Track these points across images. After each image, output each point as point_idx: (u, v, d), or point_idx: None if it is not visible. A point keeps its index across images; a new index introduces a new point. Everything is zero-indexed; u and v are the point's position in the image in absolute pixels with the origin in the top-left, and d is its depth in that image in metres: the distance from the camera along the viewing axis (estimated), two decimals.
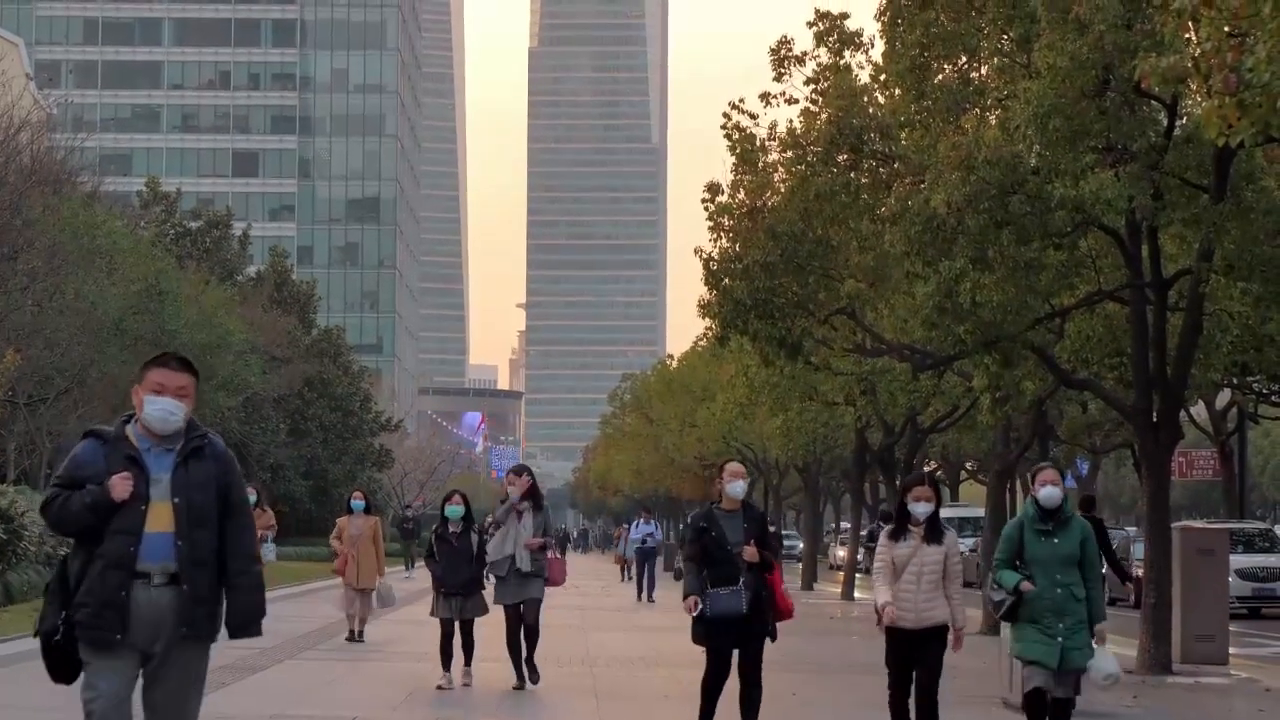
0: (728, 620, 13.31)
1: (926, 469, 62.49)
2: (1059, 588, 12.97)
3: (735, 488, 13.77)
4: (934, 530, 13.36)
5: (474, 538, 19.04)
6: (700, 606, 13.33)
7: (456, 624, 18.77)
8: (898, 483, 43.30)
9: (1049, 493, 13.20)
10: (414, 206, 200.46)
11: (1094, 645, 13.18)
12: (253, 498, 25.22)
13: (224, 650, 22.64)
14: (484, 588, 19.00)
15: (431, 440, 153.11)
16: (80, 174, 60.23)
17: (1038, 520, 13.17)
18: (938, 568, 13.27)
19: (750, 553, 13.39)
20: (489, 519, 18.85)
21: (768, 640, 13.76)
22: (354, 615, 24.93)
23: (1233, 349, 26.85)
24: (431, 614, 19.04)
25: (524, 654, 18.62)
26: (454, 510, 19.17)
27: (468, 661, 18.91)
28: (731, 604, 13.27)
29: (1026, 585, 12.97)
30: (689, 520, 14.31)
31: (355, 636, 24.84)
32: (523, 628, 18.61)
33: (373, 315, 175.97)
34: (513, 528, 18.56)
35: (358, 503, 25.59)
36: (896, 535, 13.40)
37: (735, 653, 13.66)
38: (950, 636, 13.33)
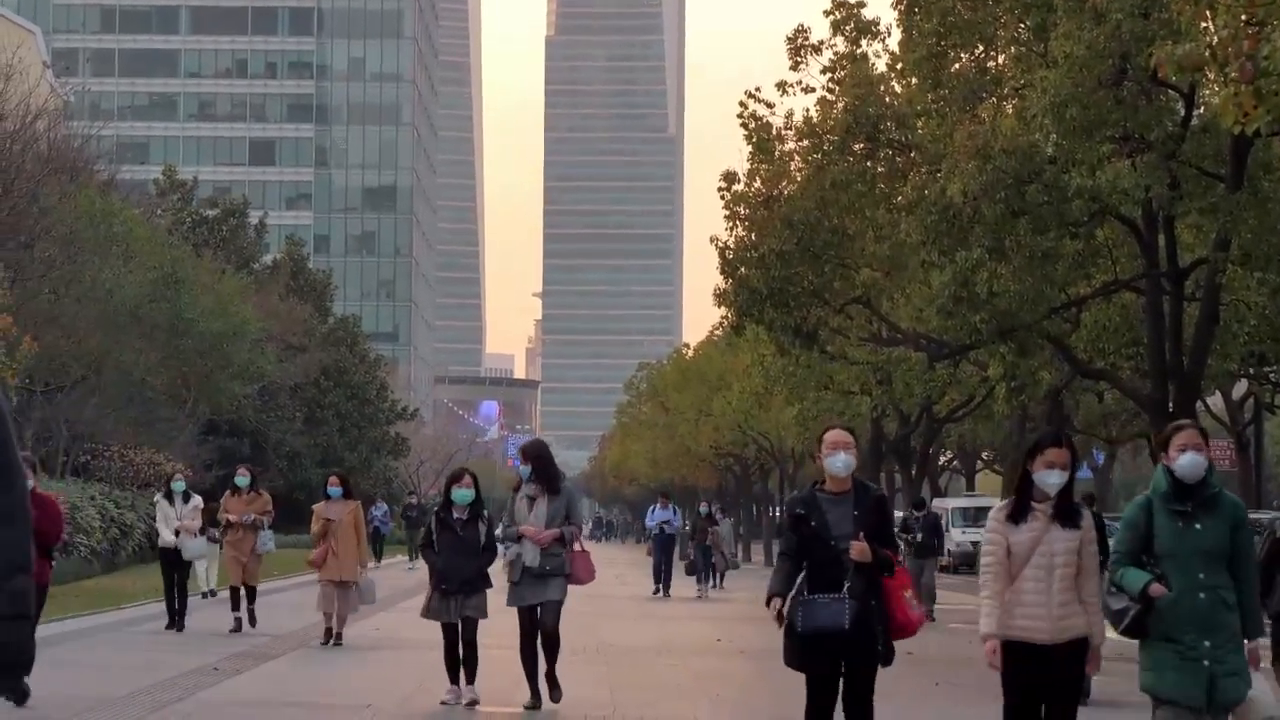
0: (825, 637, 10.12)
1: (941, 460, 62.46)
2: (1203, 591, 9.35)
3: (837, 462, 10.30)
4: (1067, 508, 9.72)
5: (482, 527, 16.00)
6: (790, 615, 10.23)
7: (458, 628, 15.99)
8: (913, 471, 43.21)
9: (1190, 461, 9.43)
10: (430, 195, 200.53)
11: (1250, 670, 9.61)
12: (247, 480, 24.28)
13: (237, 638, 22.69)
14: (490, 585, 16.18)
15: (447, 429, 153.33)
16: (97, 162, 60.32)
17: (1173, 499, 9.49)
18: (1072, 558, 9.64)
19: (859, 549, 10.08)
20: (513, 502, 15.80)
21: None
22: (331, 614, 22.21)
23: (1249, 339, 26.79)
24: (423, 615, 16.21)
25: (543, 667, 15.65)
26: (462, 494, 15.99)
27: (471, 678, 16.06)
28: (829, 616, 10.09)
29: (1158, 588, 9.37)
30: (785, 505, 10.99)
31: (333, 639, 22.16)
32: (540, 636, 15.56)
33: (389, 304, 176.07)
34: (522, 519, 15.50)
35: (334, 489, 22.26)
36: (1017, 516, 9.70)
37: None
38: (1090, 658, 9.78)
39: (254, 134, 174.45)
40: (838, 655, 10.21)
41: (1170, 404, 23.97)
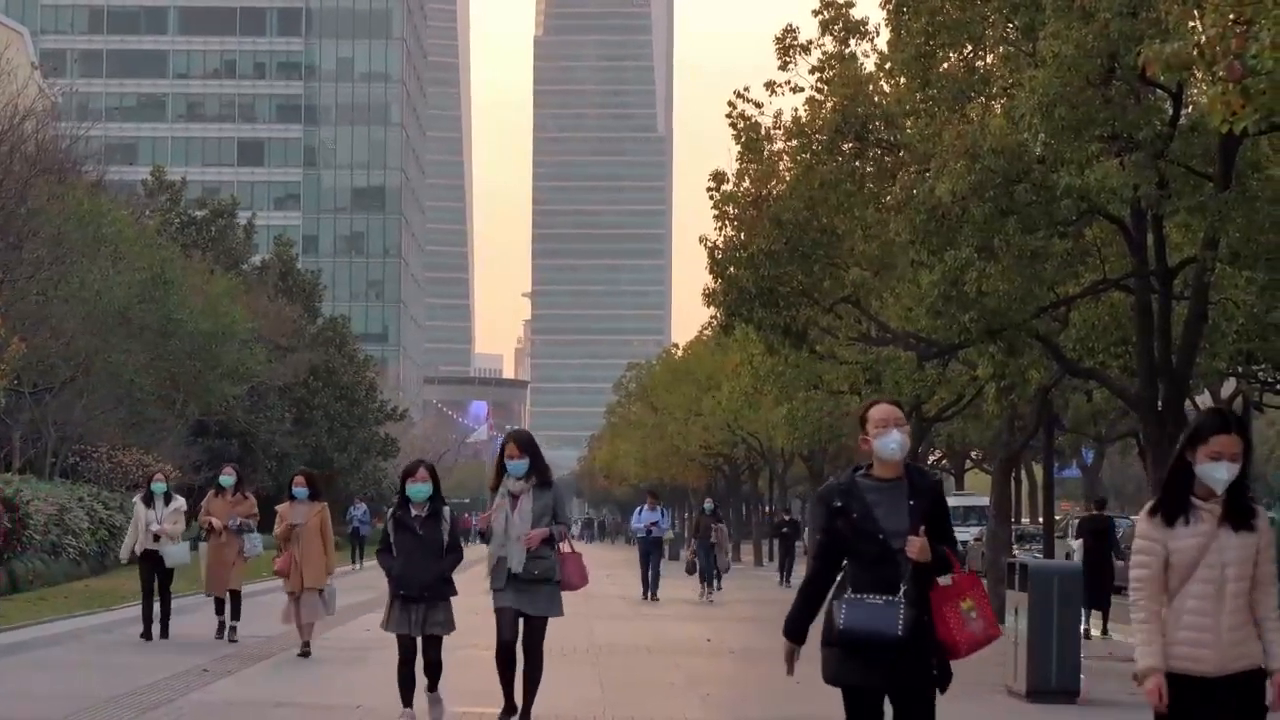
0: (870, 644, 8.21)
1: (931, 459, 62.57)
2: None
3: (890, 442, 8.44)
4: (1240, 507, 7.68)
5: (445, 526, 14.13)
6: (830, 612, 8.45)
7: (418, 643, 14.16)
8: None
9: None
10: (419, 196, 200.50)
11: None
12: (232, 479, 22.84)
13: (229, 638, 22.60)
14: (455, 593, 14.36)
15: (437, 429, 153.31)
16: (85, 163, 60.18)
17: None
18: (1247, 569, 7.63)
19: (918, 546, 8.24)
20: (490, 508, 13.94)
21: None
22: (300, 625, 20.67)
23: (1238, 338, 26.85)
24: (384, 627, 14.37)
25: (522, 700, 13.89)
26: (418, 490, 14.08)
27: (433, 685, 14.31)
28: (879, 620, 8.17)
29: None
30: (817, 494, 9.02)
31: (309, 649, 20.73)
32: (523, 656, 13.76)
33: (378, 304, 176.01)
34: (504, 515, 13.74)
35: (300, 490, 20.55)
36: (1172, 516, 7.66)
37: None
38: (1270, 689, 7.64)
39: (242, 134, 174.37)
40: (886, 670, 8.26)
41: (1159, 403, 24.02)
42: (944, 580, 8.43)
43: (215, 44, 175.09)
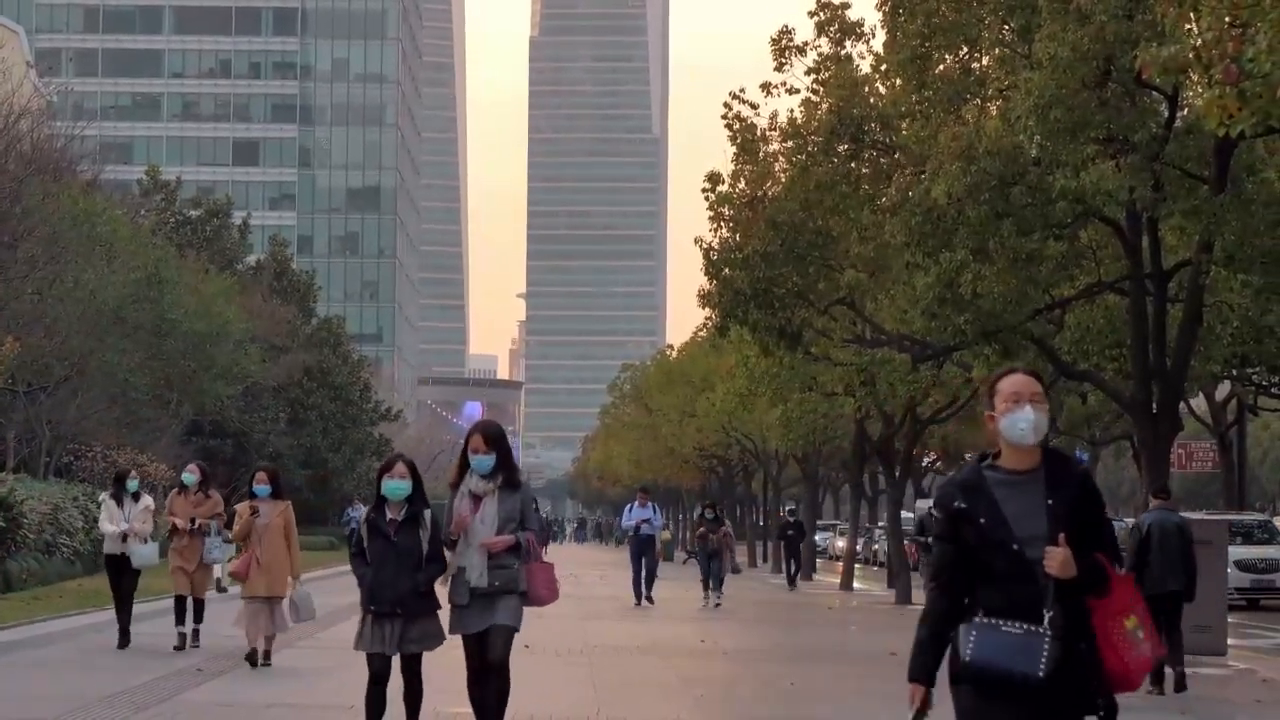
0: (1005, 684, 6.35)
1: (926, 460, 62.63)
2: None
3: (1018, 422, 6.61)
4: None
5: (424, 533, 12.25)
6: (957, 641, 6.55)
7: (394, 662, 12.37)
8: (897, 473, 43.11)
9: None
10: (414, 196, 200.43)
11: None
12: (194, 478, 21.49)
13: (219, 639, 22.56)
14: (439, 605, 12.40)
15: (431, 430, 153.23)
16: (80, 162, 60.22)
17: None
18: None
19: (1058, 560, 6.36)
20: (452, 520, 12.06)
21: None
22: (257, 634, 18.98)
23: (1232, 341, 26.87)
24: (356, 647, 12.45)
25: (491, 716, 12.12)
26: (396, 488, 12.26)
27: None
28: (1017, 655, 6.33)
29: None
30: (935, 495, 7.13)
31: (258, 658, 18.96)
32: (486, 672, 12.06)
33: (372, 305, 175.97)
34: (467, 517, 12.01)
35: (261, 487, 19.04)
36: None
37: None
38: None
39: (238, 134, 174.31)
40: (1028, 716, 6.38)
41: (1153, 405, 24.04)
42: (1099, 595, 6.54)
43: (210, 43, 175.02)
